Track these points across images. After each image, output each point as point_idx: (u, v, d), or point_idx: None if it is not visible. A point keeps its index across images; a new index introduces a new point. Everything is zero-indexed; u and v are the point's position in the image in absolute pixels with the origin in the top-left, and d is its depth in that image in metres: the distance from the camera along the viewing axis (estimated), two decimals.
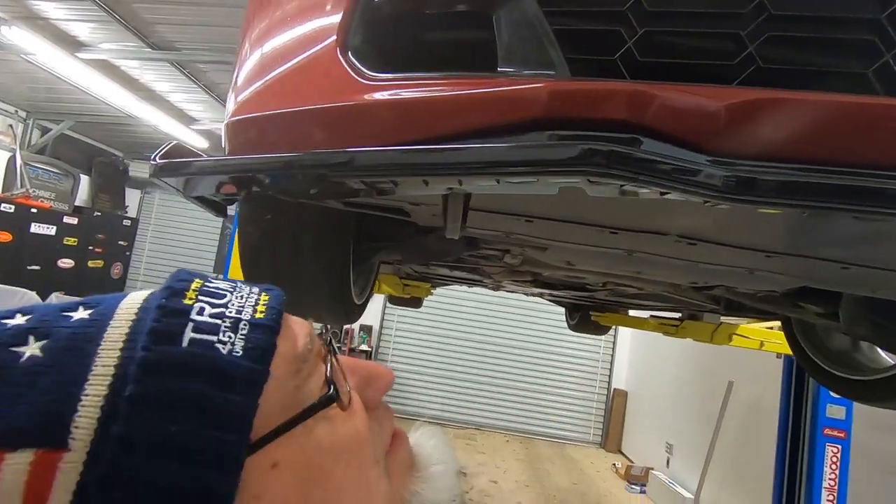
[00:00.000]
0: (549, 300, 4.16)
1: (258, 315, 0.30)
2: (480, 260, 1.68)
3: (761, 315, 1.97)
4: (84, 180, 7.03)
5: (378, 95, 0.65)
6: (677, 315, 2.72)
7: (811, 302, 1.27)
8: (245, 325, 0.29)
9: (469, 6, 0.60)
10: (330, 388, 0.31)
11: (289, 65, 0.76)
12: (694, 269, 1.03)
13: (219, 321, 0.28)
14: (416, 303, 4.47)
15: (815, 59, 0.51)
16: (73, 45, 4.30)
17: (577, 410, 7.35)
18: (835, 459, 2.63)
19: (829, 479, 2.62)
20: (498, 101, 0.54)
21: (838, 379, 1.51)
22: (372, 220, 1.25)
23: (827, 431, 2.64)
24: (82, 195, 7.04)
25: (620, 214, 0.77)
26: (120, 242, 7.32)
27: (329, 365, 0.32)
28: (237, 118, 0.82)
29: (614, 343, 7.42)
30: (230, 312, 0.29)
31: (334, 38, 0.70)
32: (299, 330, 0.33)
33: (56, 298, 4.99)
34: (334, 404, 0.30)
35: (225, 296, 0.30)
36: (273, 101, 0.77)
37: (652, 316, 3.09)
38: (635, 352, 7.24)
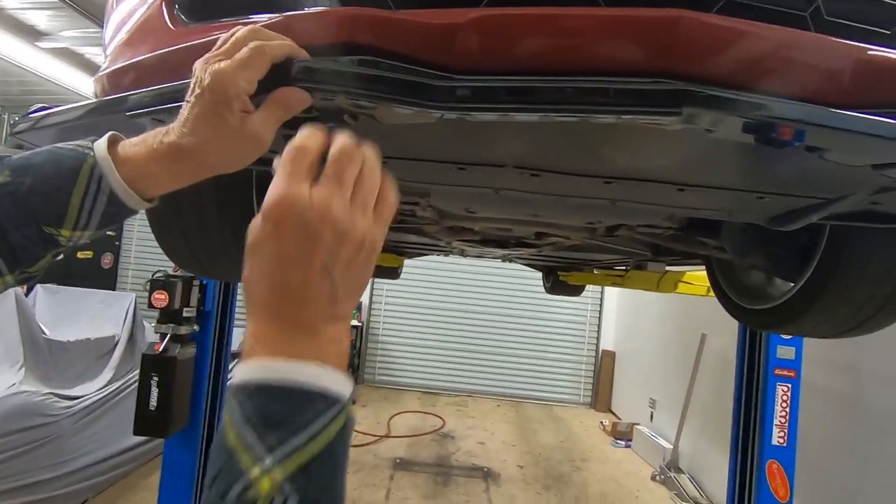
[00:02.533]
0: (524, 264, 4.22)
1: None
2: (407, 218, 1.73)
3: (685, 258, 2.03)
4: None
5: (190, 40, 0.70)
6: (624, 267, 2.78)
7: (700, 234, 1.32)
8: None
9: None
10: None
11: (136, 17, 0.83)
12: (561, 204, 1.08)
13: None
14: (391, 273, 4.54)
15: None
16: (32, 34, 4.29)
17: (566, 373, 7.51)
18: (785, 398, 2.72)
19: (780, 416, 2.72)
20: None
21: (748, 311, 1.58)
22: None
23: (777, 371, 2.73)
24: None
25: (448, 148, 0.82)
26: (108, 233, 7.41)
27: None
28: (110, 69, 0.87)
29: (601, 306, 7.53)
30: None
31: None
32: None
33: (42, 290, 5.08)
34: None
35: None
36: (131, 51, 0.84)
37: (599, 268, 3.16)
38: (621, 313, 7.35)
